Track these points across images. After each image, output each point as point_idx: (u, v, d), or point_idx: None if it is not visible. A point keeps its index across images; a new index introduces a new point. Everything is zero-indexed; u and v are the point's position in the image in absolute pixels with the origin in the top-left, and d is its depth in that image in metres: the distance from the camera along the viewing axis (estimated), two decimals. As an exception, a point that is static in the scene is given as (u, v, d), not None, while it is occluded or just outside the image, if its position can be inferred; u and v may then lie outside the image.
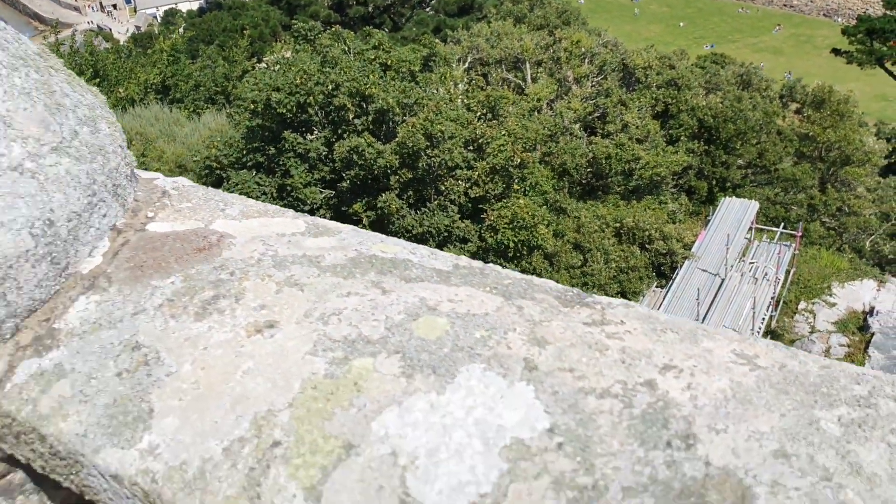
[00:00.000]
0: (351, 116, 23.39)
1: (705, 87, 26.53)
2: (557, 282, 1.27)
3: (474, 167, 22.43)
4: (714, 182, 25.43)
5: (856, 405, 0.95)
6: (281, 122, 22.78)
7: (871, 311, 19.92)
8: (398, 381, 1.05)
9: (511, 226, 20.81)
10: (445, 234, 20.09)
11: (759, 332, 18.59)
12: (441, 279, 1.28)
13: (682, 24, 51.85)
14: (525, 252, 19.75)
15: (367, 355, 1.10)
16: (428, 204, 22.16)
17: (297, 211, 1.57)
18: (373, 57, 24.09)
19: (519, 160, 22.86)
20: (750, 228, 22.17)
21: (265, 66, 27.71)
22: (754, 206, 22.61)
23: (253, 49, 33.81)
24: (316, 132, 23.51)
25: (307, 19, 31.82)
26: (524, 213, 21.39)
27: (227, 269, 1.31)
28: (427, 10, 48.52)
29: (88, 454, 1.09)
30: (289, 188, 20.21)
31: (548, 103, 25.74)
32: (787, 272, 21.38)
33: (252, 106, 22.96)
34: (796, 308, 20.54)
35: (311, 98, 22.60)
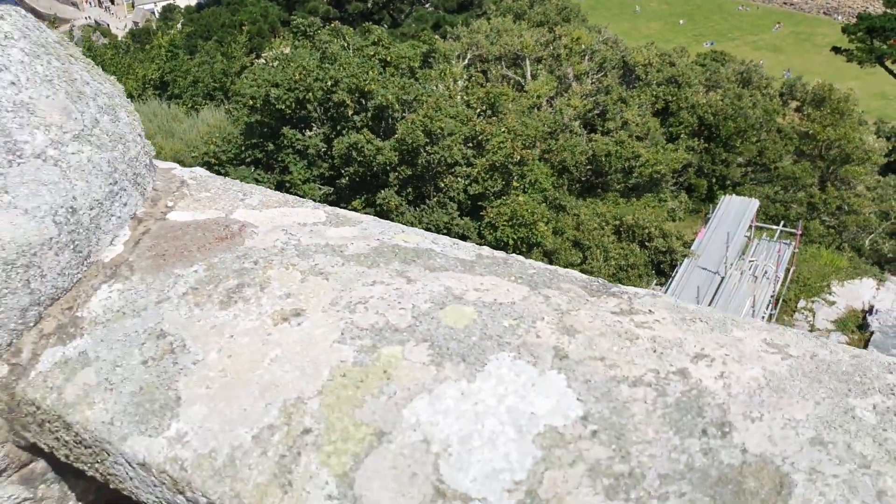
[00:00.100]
0: (350, 113, 23.35)
1: (705, 84, 26.53)
2: None
3: (474, 164, 22.41)
4: (714, 180, 25.44)
5: (890, 394, 0.95)
6: (280, 119, 22.74)
7: (871, 310, 19.95)
8: (427, 369, 1.05)
9: (510, 223, 20.81)
10: (445, 231, 20.07)
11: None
12: (465, 269, 1.28)
13: (681, 21, 51.84)
14: (524, 249, 19.74)
15: (396, 343, 1.09)
16: (427, 201, 22.14)
17: None
18: (372, 53, 24.06)
19: (518, 157, 22.85)
20: (750, 226, 22.18)
21: (264, 62, 27.67)
22: (754, 204, 22.62)
23: (251, 45, 33.76)
24: (315, 128, 23.47)
25: (306, 15, 31.79)
26: (523, 211, 21.38)
27: (250, 258, 1.30)
28: (426, 6, 48.45)
29: (115, 442, 1.08)
30: (287, 185, 20.20)
31: (547, 100, 25.73)
32: (787, 270, 21.40)
33: (251, 102, 22.92)
34: (796, 306, 20.57)
35: (310, 94, 22.56)
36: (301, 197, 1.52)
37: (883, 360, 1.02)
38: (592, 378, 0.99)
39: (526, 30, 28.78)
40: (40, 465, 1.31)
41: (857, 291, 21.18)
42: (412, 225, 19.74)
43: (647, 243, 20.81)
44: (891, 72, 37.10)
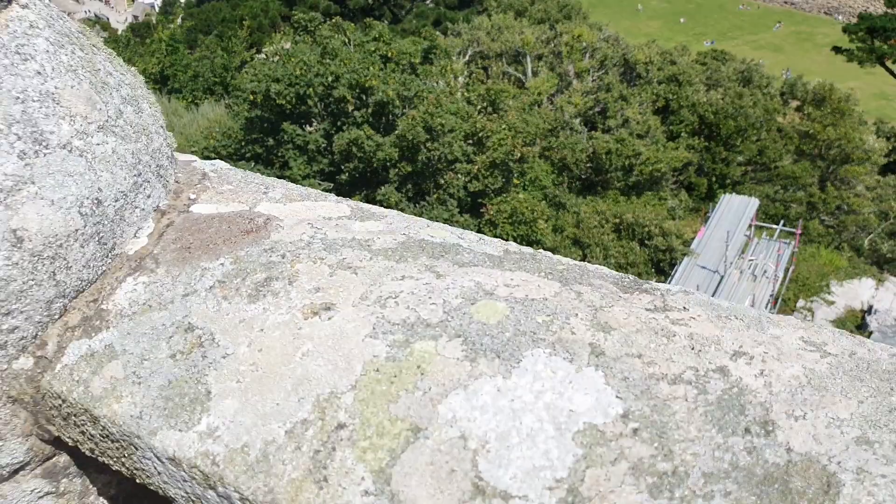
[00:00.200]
0: (350, 108, 23.30)
1: (706, 83, 26.53)
2: None
3: (474, 161, 22.39)
4: (714, 179, 25.45)
5: (933, 393, 0.94)
6: (280, 114, 22.69)
7: (870, 310, 19.97)
8: (462, 364, 1.03)
9: (510, 220, 20.79)
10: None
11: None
12: (494, 264, 1.27)
13: (682, 19, 51.81)
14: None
15: (428, 339, 1.08)
16: (427, 197, 22.12)
17: None
18: (373, 49, 24.00)
19: (519, 154, 22.83)
20: (749, 226, 22.19)
21: (264, 56, 27.60)
22: (754, 203, 22.64)
23: (252, 40, 33.70)
24: (315, 124, 23.44)
25: (307, 10, 31.72)
26: (523, 208, 21.37)
27: (277, 251, 1.29)
28: (427, 2, 48.37)
29: (144, 436, 1.07)
30: (287, 180, 20.18)
31: (548, 97, 25.72)
32: (786, 270, 21.42)
33: (251, 97, 22.86)
34: (795, 306, 20.59)
35: (310, 89, 22.50)
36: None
37: (922, 358, 1.01)
38: (630, 375, 0.98)
39: (527, 27, 28.75)
40: (63, 458, 1.30)
41: (855, 291, 21.21)
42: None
43: (646, 241, 20.82)
44: (891, 72, 37.10)
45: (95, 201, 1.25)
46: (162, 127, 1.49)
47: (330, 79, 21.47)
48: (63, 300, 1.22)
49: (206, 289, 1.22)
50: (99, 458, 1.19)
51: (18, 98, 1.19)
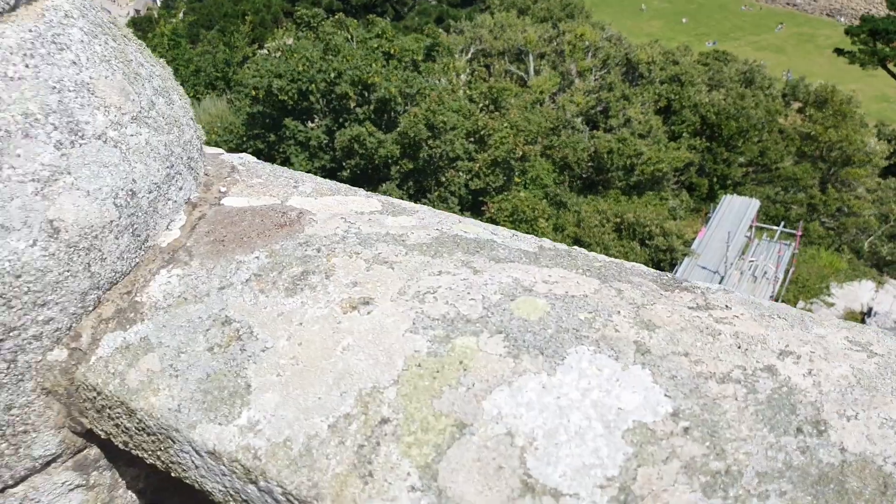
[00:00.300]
0: (353, 105, 23.26)
1: (708, 83, 26.52)
2: None
3: (475, 159, 22.36)
4: (715, 179, 25.45)
5: (983, 394, 0.93)
6: (282, 110, 22.65)
7: (869, 312, 19.99)
8: (505, 361, 1.03)
9: (511, 219, 20.78)
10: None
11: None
12: (530, 260, 1.26)
13: (684, 19, 51.79)
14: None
15: (469, 334, 1.07)
16: (428, 195, 22.11)
17: None
18: (376, 45, 23.95)
19: (520, 153, 22.79)
20: (750, 227, 22.20)
21: (267, 52, 27.54)
22: (755, 204, 22.65)
23: (254, 35, 33.64)
24: (317, 120, 23.40)
25: (310, 6, 31.68)
26: (524, 206, 21.34)
27: (312, 245, 1.28)
28: None
29: (183, 429, 1.06)
30: (290, 176, 20.12)
31: (550, 96, 25.70)
32: (787, 271, 21.43)
33: (253, 92, 22.81)
34: (795, 307, 20.59)
35: (313, 86, 22.46)
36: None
37: (969, 360, 1.00)
38: (678, 374, 0.98)
39: (530, 25, 28.73)
40: (93, 451, 1.29)
41: (855, 293, 21.22)
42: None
43: (647, 241, 20.82)
44: (893, 74, 37.12)
45: (130, 193, 1.24)
46: (192, 119, 1.48)
47: (332, 75, 21.44)
48: (97, 292, 1.21)
49: (242, 282, 1.22)
50: (132, 451, 1.19)
51: (55, 88, 1.19)
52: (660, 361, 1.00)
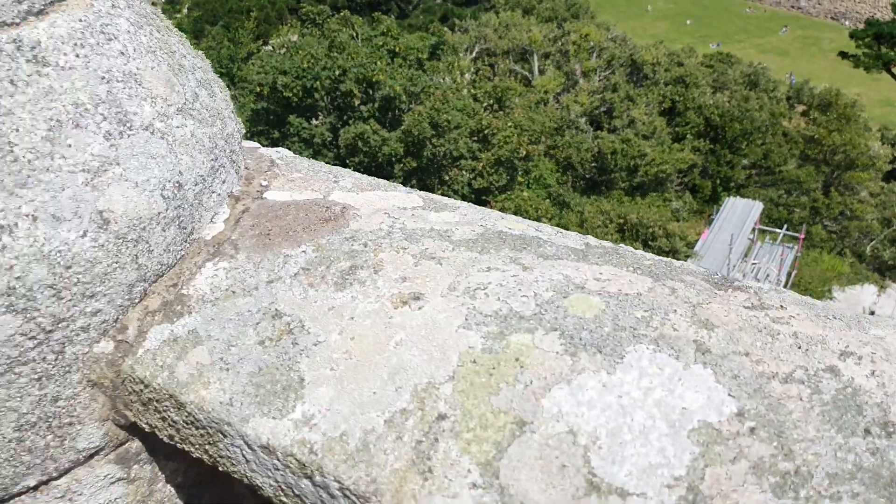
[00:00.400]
0: (357, 103, 23.24)
1: (713, 85, 26.50)
2: None
3: (479, 158, 22.34)
4: (718, 181, 25.44)
5: None
6: (286, 106, 22.63)
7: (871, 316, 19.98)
8: (562, 358, 1.02)
9: (515, 218, 20.68)
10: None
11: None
12: (578, 257, 1.25)
13: (688, 21, 51.78)
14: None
15: (524, 331, 1.07)
16: (431, 193, 22.05)
17: None
18: (381, 43, 23.93)
19: (524, 152, 22.76)
20: (753, 229, 22.19)
21: (271, 48, 27.53)
22: (758, 206, 22.64)
23: (259, 31, 33.61)
24: (321, 117, 23.38)
25: (315, 3, 31.64)
26: (527, 206, 21.33)
27: (358, 240, 1.27)
28: (433, -2, 48.24)
29: (235, 423, 1.05)
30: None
31: (554, 96, 25.69)
32: (789, 274, 21.42)
33: (258, 89, 22.79)
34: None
35: (317, 83, 22.44)
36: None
37: None
38: (740, 374, 0.97)
39: (534, 25, 28.71)
40: (135, 444, 1.28)
41: (857, 297, 21.22)
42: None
43: (650, 242, 20.80)
44: (897, 79, 37.11)
45: (177, 185, 1.23)
46: (233, 112, 1.47)
47: (337, 72, 21.43)
48: (144, 284, 1.20)
49: (291, 276, 1.21)
50: (178, 444, 1.18)
51: (104, 78, 1.18)
52: (721, 361, 0.99)
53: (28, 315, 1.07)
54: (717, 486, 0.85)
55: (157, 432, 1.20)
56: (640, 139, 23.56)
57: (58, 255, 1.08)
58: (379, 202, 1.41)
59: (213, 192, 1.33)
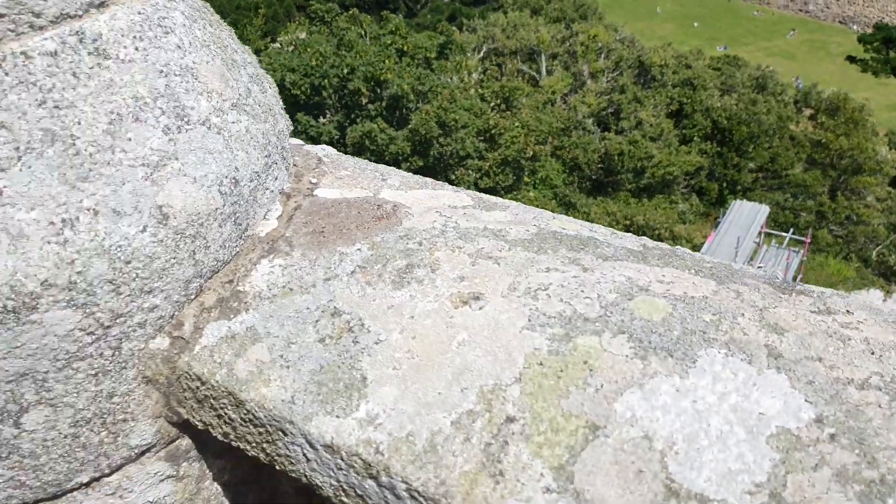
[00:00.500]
0: (365, 101, 23.22)
1: (720, 88, 26.46)
2: None
3: (486, 158, 22.31)
4: (725, 184, 25.39)
5: None
6: (294, 104, 22.61)
7: (877, 321, 19.92)
8: (632, 362, 1.00)
9: (521, 218, 20.69)
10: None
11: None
12: (637, 259, 1.24)
13: (695, 23, 51.69)
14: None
15: (591, 334, 1.05)
16: (438, 192, 22.02)
17: None
18: (389, 42, 23.91)
19: (531, 153, 22.73)
20: (759, 233, 22.14)
21: (279, 46, 27.51)
22: (764, 210, 22.58)
23: (267, 28, 33.61)
24: (329, 115, 23.36)
25: (324, 1, 31.62)
26: (533, 206, 21.18)
27: (413, 238, 1.26)
28: (441, -3, 48.19)
29: (298, 422, 1.04)
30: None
31: (562, 97, 25.66)
32: (794, 278, 21.38)
33: (266, 85, 22.64)
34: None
35: (325, 81, 22.42)
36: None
37: None
38: (815, 379, 0.95)
39: (542, 25, 28.68)
40: (185, 442, 1.27)
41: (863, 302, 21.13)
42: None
43: (656, 245, 20.76)
44: (904, 84, 37.01)
45: (233, 181, 1.22)
46: (282, 108, 1.46)
47: (345, 71, 21.42)
48: (200, 280, 1.19)
49: (348, 273, 1.20)
50: (233, 443, 1.17)
51: (162, 72, 1.17)
52: (794, 366, 0.98)
53: (87, 310, 1.06)
54: (801, 493, 0.84)
55: (211, 430, 1.19)
56: (647, 141, 23.53)
57: (118, 249, 1.07)
58: (429, 201, 1.40)
59: (267, 189, 1.32)
